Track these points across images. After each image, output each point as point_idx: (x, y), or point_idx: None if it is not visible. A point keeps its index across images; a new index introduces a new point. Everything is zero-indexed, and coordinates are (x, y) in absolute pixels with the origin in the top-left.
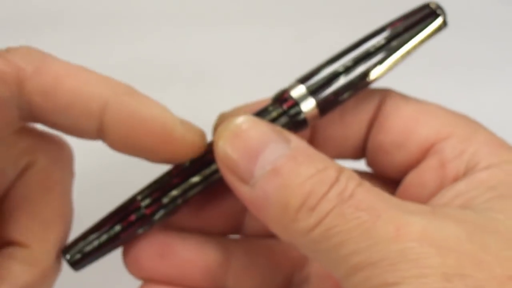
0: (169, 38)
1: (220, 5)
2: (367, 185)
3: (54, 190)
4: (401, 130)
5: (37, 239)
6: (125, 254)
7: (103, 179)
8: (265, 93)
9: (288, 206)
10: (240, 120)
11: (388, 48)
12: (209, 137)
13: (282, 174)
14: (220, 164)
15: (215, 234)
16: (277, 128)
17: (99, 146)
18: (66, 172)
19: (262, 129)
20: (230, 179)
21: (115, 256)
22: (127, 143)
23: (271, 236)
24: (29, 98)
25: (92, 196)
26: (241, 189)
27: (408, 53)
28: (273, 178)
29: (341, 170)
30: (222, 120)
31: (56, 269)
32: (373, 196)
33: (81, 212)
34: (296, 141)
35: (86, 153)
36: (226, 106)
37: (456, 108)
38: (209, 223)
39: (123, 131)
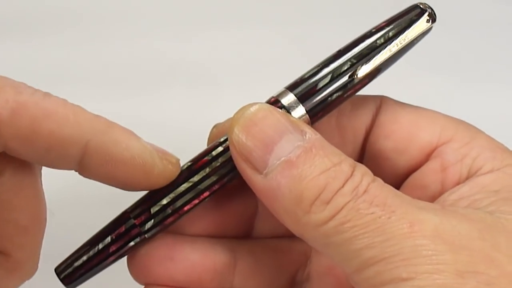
0: (170, 38)
1: (220, 5)
2: (380, 182)
3: (26, 195)
4: (402, 135)
5: (16, 245)
6: (130, 259)
7: (100, 196)
8: (265, 94)
9: (302, 198)
10: (257, 107)
11: (374, 47)
12: (204, 142)
13: (296, 166)
14: (234, 151)
15: (225, 238)
16: (292, 118)
17: None
18: (35, 175)
19: (278, 119)
20: (243, 167)
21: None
22: (105, 179)
23: (277, 236)
24: (5, 143)
25: (88, 215)
26: (254, 178)
27: (397, 51)
28: (288, 169)
29: (355, 165)
30: (217, 131)
31: (33, 270)
32: (387, 193)
33: (77, 229)
34: (311, 133)
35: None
36: (226, 106)
37: (453, 108)
38: (219, 229)
39: (101, 171)
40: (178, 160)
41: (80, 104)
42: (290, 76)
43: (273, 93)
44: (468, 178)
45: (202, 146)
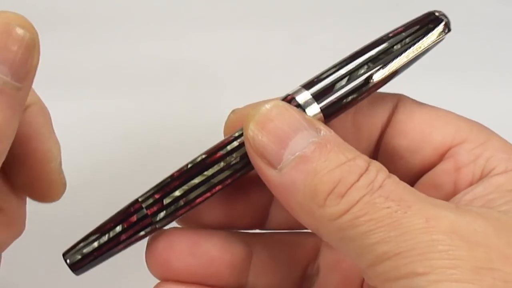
0: (170, 38)
1: (220, 6)
2: (396, 178)
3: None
4: (416, 135)
5: (11, 202)
6: (149, 254)
7: (106, 189)
8: (265, 94)
9: (317, 192)
10: (272, 104)
11: (390, 52)
12: (213, 136)
13: (311, 161)
14: (249, 147)
15: (239, 229)
16: (307, 116)
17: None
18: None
19: (293, 115)
20: (258, 162)
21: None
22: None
23: (290, 229)
24: None
25: (94, 202)
26: (268, 173)
27: (412, 58)
28: (302, 164)
29: (370, 161)
30: (235, 116)
31: (23, 227)
32: (402, 189)
33: (83, 218)
34: (326, 131)
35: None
36: (226, 106)
37: (457, 109)
38: (235, 218)
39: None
40: (64, 189)
41: (80, 104)
42: (290, 76)
43: (273, 92)
44: (481, 178)
45: (202, 146)
